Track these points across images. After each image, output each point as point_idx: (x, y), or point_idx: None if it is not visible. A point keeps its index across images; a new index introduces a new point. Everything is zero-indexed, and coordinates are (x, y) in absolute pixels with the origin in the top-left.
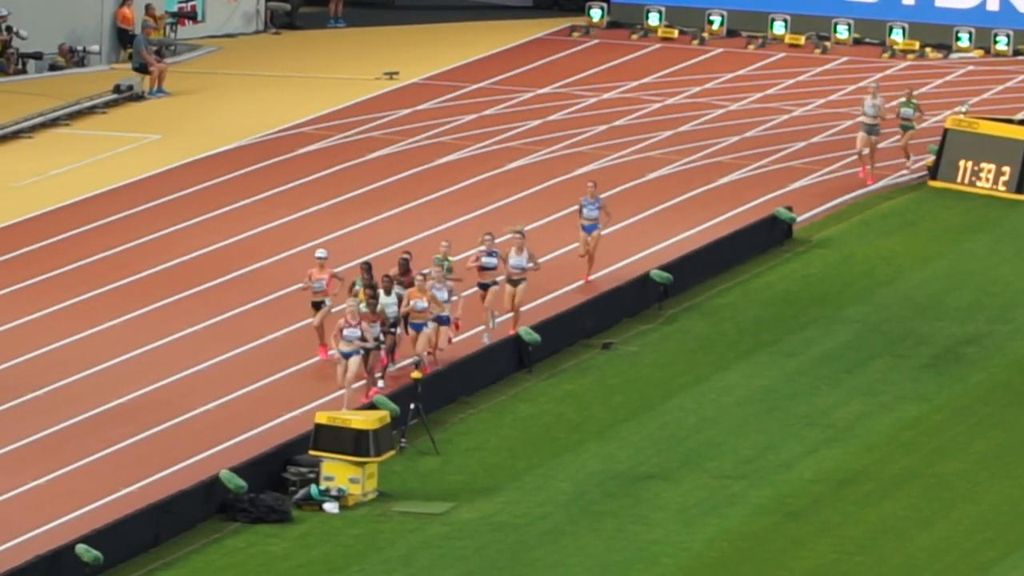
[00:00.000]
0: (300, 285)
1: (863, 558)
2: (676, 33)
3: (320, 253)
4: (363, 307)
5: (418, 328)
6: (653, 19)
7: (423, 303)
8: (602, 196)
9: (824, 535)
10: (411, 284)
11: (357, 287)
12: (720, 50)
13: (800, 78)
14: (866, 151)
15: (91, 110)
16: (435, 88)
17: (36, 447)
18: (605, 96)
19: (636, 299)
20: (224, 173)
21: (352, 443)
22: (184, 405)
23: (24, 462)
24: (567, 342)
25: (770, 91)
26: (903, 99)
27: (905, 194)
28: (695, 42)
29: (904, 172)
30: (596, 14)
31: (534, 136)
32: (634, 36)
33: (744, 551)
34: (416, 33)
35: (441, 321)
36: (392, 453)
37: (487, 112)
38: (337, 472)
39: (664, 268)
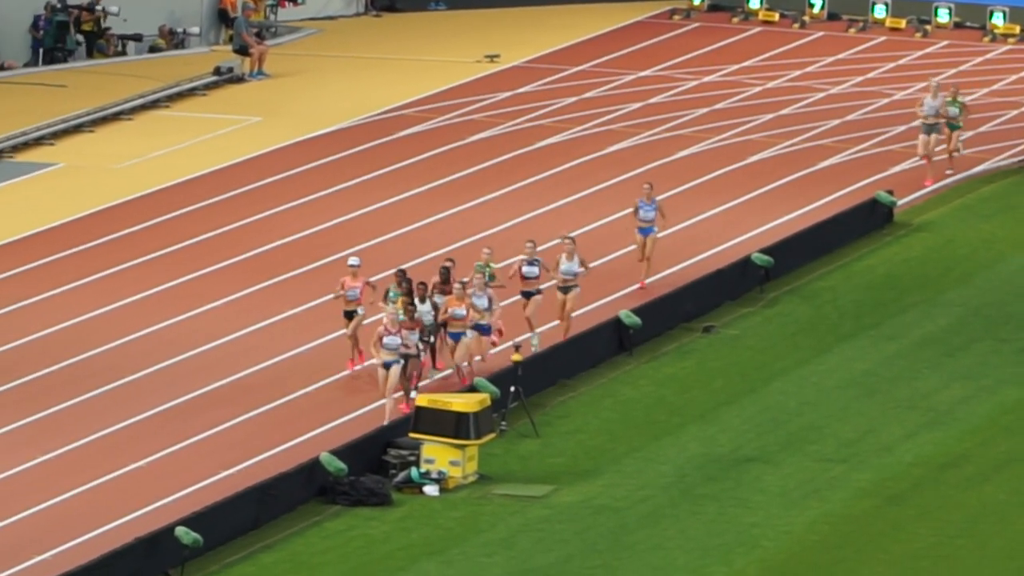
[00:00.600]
0: (333, 295)
1: (964, 541)
2: (777, 16)
3: (353, 261)
4: (401, 315)
5: (456, 337)
6: (754, 2)
7: (462, 311)
8: (658, 198)
9: (924, 518)
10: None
11: (392, 295)
12: (821, 33)
13: (900, 62)
14: (937, 147)
15: (191, 92)
16: (536, 71)
17: (137, 429)
18: (706, 79)
19: (737, 282)
20: (323, 156)
21: (452, 426)
22: (284, 387)
23: (125, 444)
24: (668, 326)
25: (870, 75)
26: (948, 97)
27: (1007, 177)
28: (796, 25)
29: (951, 171)
30: None
31: (635, 119)
32: (735, 19)
33: (844, 534)
34: (517, 16)
35: (481, 330)
36: (492, 436)
37: (587, 95)
38: (437, 455)
39: (765, 251)
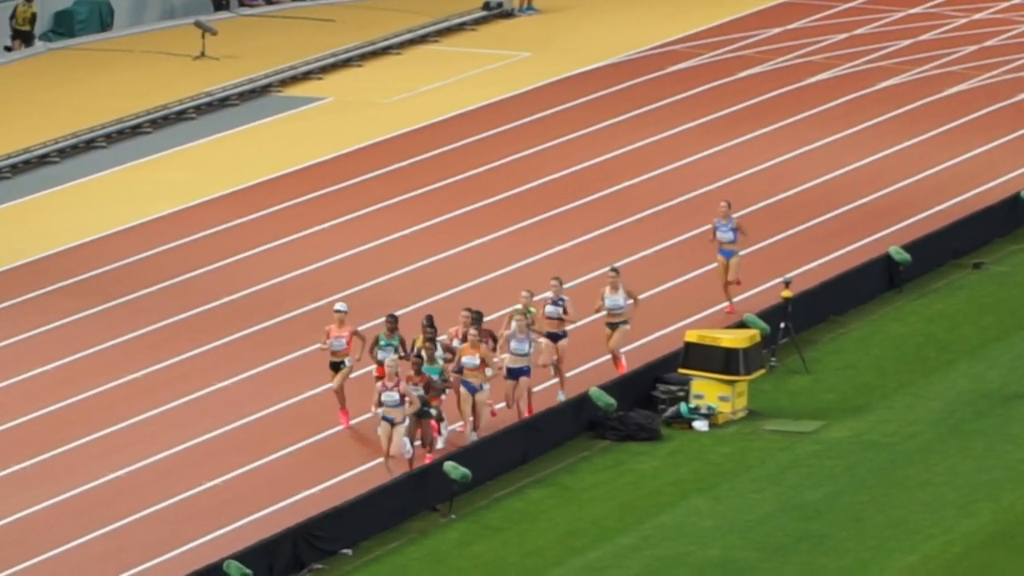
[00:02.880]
0: (318, 345)
1: None
2: None
3: (340, 307)
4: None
5: (470, 388)
6: None
7: (475, 360)
8: (735, 216)
9: None
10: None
11: (382, 344)
12: None
13: None
14: None
15: (460, 27)
16: (807, 7)
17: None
18: (975, 16)
19: (1007, 219)
20: (592, 92)
21: (722, 361)
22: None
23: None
24: (937, 262)
25: None
26: None
27: None
28: None
29: None
30: None
31: (904, 56)
32: None
33: None
34: None
35: (523, 373)
36: (762, 372)
37: (857, 32)
38: (707, 390)
39: None
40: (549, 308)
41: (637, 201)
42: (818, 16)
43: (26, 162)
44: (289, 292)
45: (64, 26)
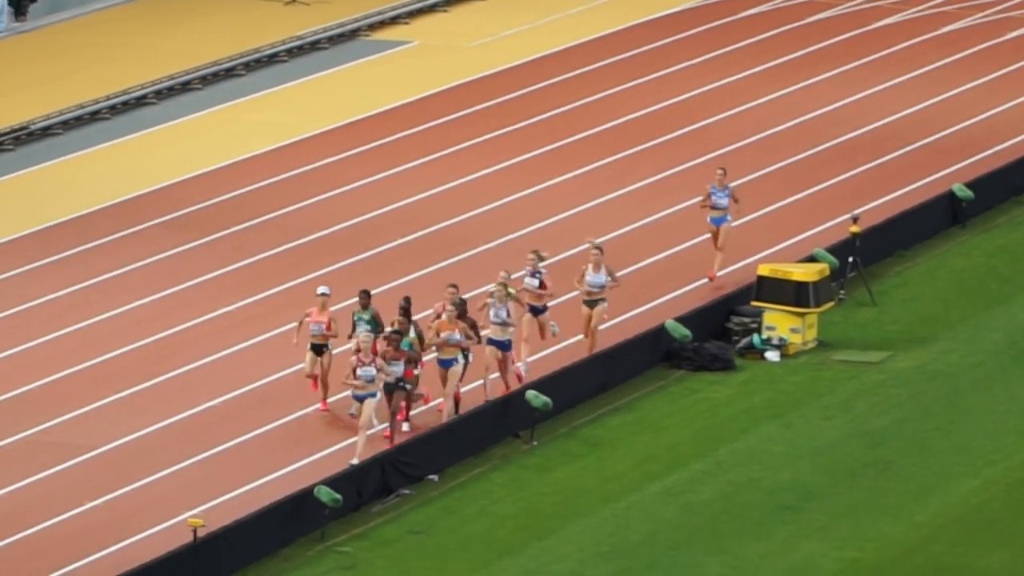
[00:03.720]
0: (294, 324)
1: None
2: None
3: (322, 290)
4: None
5: (447, 365)
6: None
7: (456, 335)
8: (732, 184)
9: None
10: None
11: (356, 319)
12: None
13: None
14: None
15: None
16: None
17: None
18: None
19: None
20: (668, 36)
21: (793, 295)
22: (635, 255)
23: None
24: (999, 199)
25: None
26: None
27: None
28: None
29: None
30: None
31: (966, 2)
32: None
33: None
34: None
35: (502, 347)
36: (831, 304)
37: None
38: (778, 322)
39: None
40: (528, 280)
41: (714, 139)
42: None
43: (125, 103)
44: (377, 228)
45: None
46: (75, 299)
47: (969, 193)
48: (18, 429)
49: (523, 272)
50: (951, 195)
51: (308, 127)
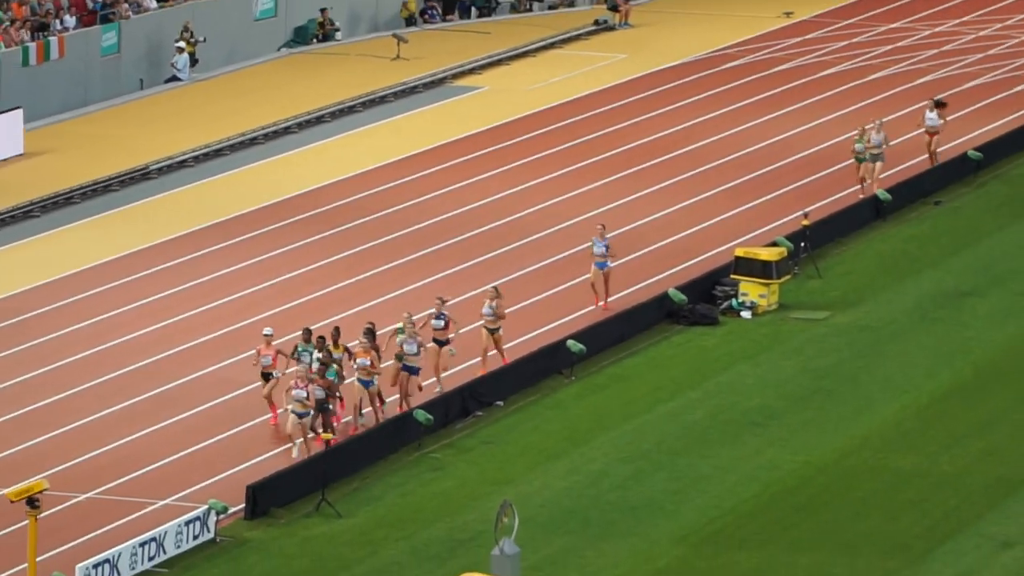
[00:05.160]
0: (252, 352)
1: None
2: None
3: (266, 331)
4: (315, 363)
5: (366, 384)
6: None
7: (367, 361)
8: (610, 235)
9: None
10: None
11: (299, 350)
12: None
13: None
14: None
15: (577, 37)
16: (819, 23)
17: (558, 266)
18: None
19: (959, 170)
20: (669, 82)
21: (761, 270)
22: (645, 242)
23: (542, 278)
24: (911, 200)
25: None
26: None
27: None
28: None
29: None
30: None
31: (897, 68)
32: None
33: None
34: None
35: (411, 371)
36: (788, 277)
37: (856, 39)
38: (750, 290)
39: (977, 149)
40: (435, 321)
41: (702, 157)
42: (828, 29)
43: (274, 132)
44: (457, 222)
45: (300, 37)
46: (241, 273)
47: (889, 196)
48: (203, 367)
49: (430, 312)
50: (876, 198)
51: (407, 149)
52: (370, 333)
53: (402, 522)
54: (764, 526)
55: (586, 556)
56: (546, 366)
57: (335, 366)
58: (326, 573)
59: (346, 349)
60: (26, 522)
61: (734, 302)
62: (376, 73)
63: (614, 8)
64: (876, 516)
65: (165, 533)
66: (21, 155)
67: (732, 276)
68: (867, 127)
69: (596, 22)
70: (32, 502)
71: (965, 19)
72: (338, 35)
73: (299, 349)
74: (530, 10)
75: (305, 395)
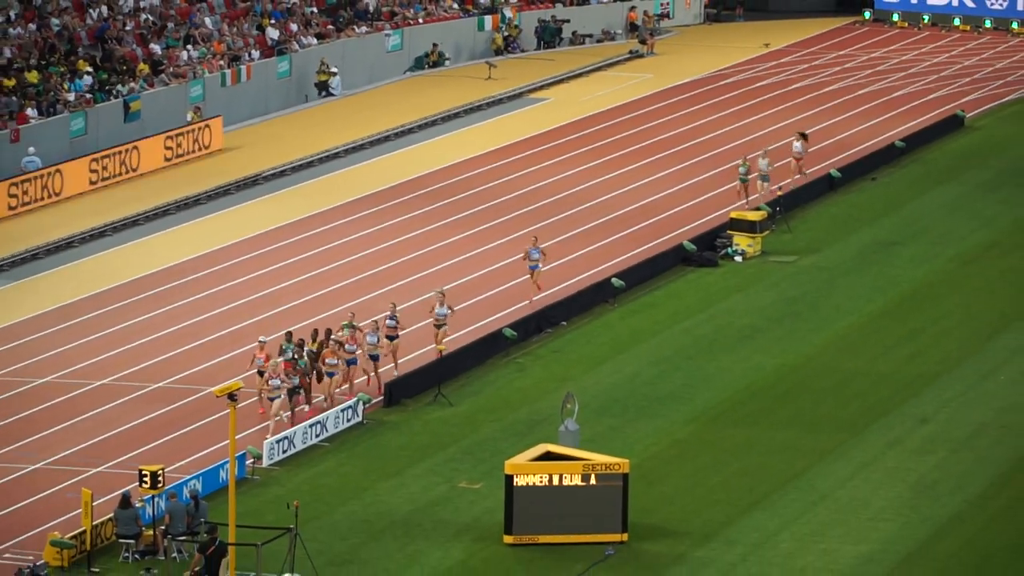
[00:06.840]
0: (252, 354)
1: None
2: None
3: (262, 339)
4: (287, 356)
5: (331, 375)
6: None
7: (334, 360)
8: (543, 245)
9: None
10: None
11: (284, 347)
12: None
13: None
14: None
15: (617, 63)
16: (790, 51)
17: (603, 225)
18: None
19: (887, 155)
20: (684, 93)
21: (748, 226)
22: (660, 211)
23: (591, 234)
24: (858, 176)
25: None
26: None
27: None
28: None
29: None
30: None
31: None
32: None
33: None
34: (784, 23)
35: (351, 363)
36: (768, 232)
37: (815, 62)
38: (741, 241)
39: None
40: (388, 322)
41: (714, 144)
42: (795, 55)
43: (401, 132)
44: (532, 195)
45: (419, 64)
46: (380, 233)
47: (839, 175)
48: (335, 306)
49: (385, 314)
50: (829, 176)
51: (495, 143)
52: (351, 327)
53: (495, 408)
54: (752, 411)
55: (625, 432)
56: (596, 297)
57: (305, 359)
58: (441, 445)
59: (322, 343)
60: (227, 411)
61: (729, 250)
62: (473, 89)
63: (643, 41)
64: (831, 403)
65: (328, 417)
66: (221, 150)
67: (728, 232)
68: (748, 157)
69: (630, 52)
70: (232, 397)
71: (893, 47)
72: (447, 62)
73: (283, 347)
74: (583, 43)
75: (279, 383)
